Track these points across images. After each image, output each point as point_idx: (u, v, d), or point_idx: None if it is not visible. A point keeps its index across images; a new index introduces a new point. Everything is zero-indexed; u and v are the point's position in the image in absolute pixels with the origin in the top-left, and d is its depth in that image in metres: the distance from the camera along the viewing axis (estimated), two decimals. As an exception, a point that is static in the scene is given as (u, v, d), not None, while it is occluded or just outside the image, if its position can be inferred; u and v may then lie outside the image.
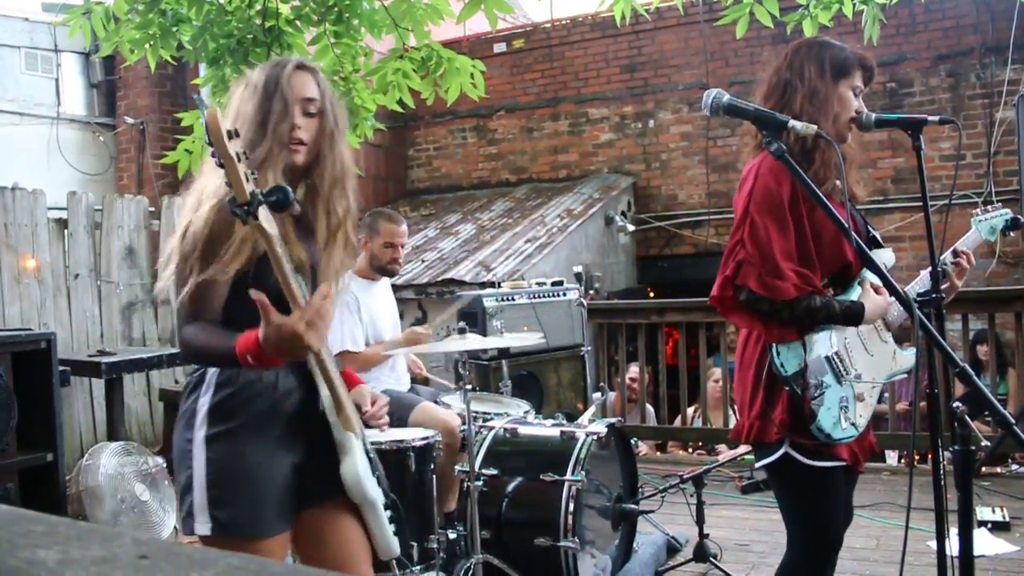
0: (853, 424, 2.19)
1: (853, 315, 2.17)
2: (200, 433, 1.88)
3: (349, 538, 1.99)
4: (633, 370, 6.31)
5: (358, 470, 1.92)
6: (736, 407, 2.37)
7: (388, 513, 2.07)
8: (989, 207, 2.59)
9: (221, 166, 1.52)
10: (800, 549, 2.29)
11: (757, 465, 2.30)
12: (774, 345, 2.16)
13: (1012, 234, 2.61)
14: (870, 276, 2.23)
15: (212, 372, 1.91)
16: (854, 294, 2.24)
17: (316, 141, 1.93)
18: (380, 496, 2.04)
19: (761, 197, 2.14)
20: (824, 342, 2.18)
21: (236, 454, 1.87)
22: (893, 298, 2.19)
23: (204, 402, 1.90)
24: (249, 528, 1.86)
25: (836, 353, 2.19)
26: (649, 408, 6.25)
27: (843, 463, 2.20)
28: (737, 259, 2.15)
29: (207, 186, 1.86)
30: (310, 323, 1.61)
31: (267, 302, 1.60)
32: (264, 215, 1.54)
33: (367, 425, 2.18)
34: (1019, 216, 2.58)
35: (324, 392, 1.90)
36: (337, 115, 1.98)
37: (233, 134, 1.50)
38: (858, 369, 2.22)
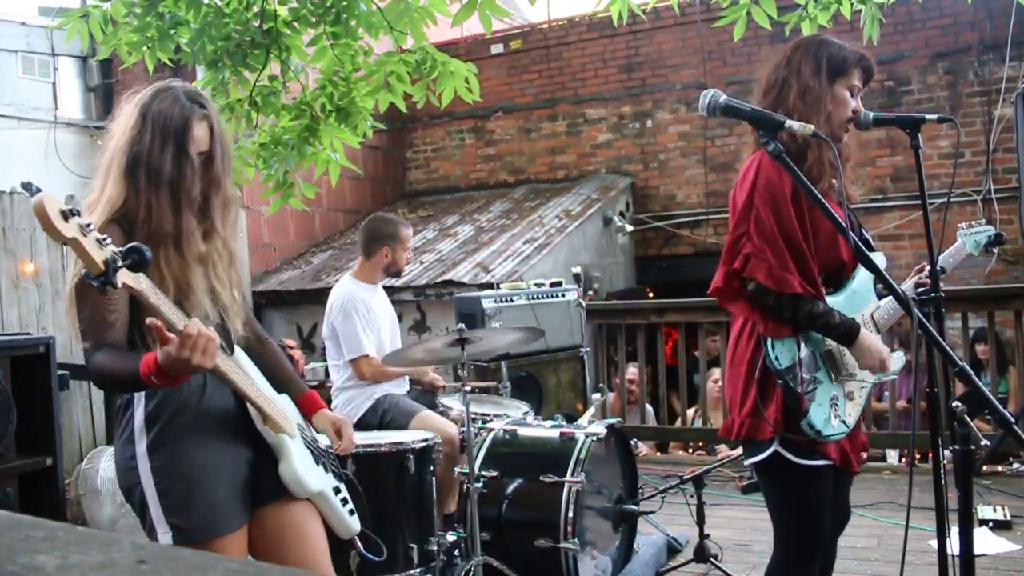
0: (843, 422, 2.20)
1: (848, 334, 2.17)
2: (141, 446, 1.93)
3: (307, 535, 2.07)
4: (632, 371, 6.31)
5: (295, 470, 2.00)
6: (728, 404, 2.37)
7: (340, 496, 2.16)
8: (974, 222, 2.62)
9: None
10: (787, 547, 2.30)
11: (747, 462, 2.31)
12: (768, 339, 2.16)
13: (995, 250, 2.64)
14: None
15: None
16: (844, 294, 2.25)
17: (207, 176, 1.99)
18: (328, 482, 2.12)
19: (765, 190, 2.14)
20: (818, 339, 2.19)
21: (179, 459, 1.93)
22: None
23: (139, 415, 1.95)
24: (207, 529, 1.92)
25: (829, 351, 2.21)
26: (648, 408, 6.25)
27: (831, 462, 2.21)
28: (745, 252, 2.14)
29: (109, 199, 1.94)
30: (194, 348, 1.67)
31: (160, 326, 1.66)
32: (127, 275, 1.57)
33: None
34: (1002, 233, 2.64)
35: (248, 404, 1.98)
36: (225, 157, 2.03)
37: (69, 214, 1.48)
38: (850, 368, 2.23)
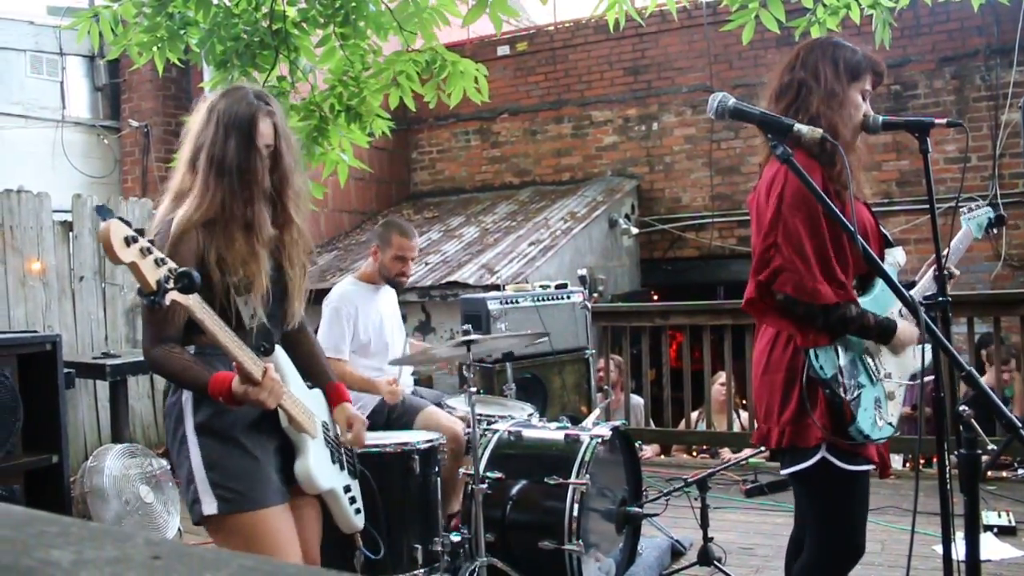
0: (889, 424, 2.18)
1: (885, 332, 2.15)
2: (190, 423, 2.07)
3: (306, 529, 2.20)
4: (602, 363, 6.16)
5: (309, 469, 2.12)
6: (760, 413, 2.31)
7: (349, 495, 2.29)
8: (974, 205, 2.60)
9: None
10: (823, 554, 2.26)
11: (786, 472, 2.25)
12: (811, 349, 2.12)
13: (995, 231, 2.63)
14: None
15: None
16: (874, 294, 2.24)
17: (278, 181, 2.14)
18: (340, 481, 2.25)
19: (793, 198, 2.09)
20: (856, 343, 2.17)
21: (226, 435, 2.07)
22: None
23: (187, 395, 2.09)
24: (252, 500, 2.03)
25: (867, 352, 2.18)
26: (637, 399, 6.15)
27: (873, 465, 2.20)
28: (773, 266, 2.10)
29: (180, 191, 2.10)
30: (271, 393, 1.91)
31: (245, 371, 1.87)
32: (177, 296, 1.71)
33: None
34: (1003, 213, 2.61)
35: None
36: (291, 152, 2.17)
37: (132, 240, 1.62)
38: (887, 368, 2.21)
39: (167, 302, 1.69)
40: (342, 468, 2.31)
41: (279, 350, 2.18)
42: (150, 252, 1.66)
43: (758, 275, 2.14)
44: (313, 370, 2.38)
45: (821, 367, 2.12)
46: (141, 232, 1.65)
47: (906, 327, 2.19)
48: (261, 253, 2.09)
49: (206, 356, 2.04)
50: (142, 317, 2.05)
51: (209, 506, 2.02)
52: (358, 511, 2.34)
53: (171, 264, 1.68)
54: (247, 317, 2.06)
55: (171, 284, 1.67)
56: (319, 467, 2.15)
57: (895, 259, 2.31)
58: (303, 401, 2.16)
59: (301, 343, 2.37)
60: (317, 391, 2.34)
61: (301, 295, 2.24)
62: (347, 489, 2.29)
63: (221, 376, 1.93)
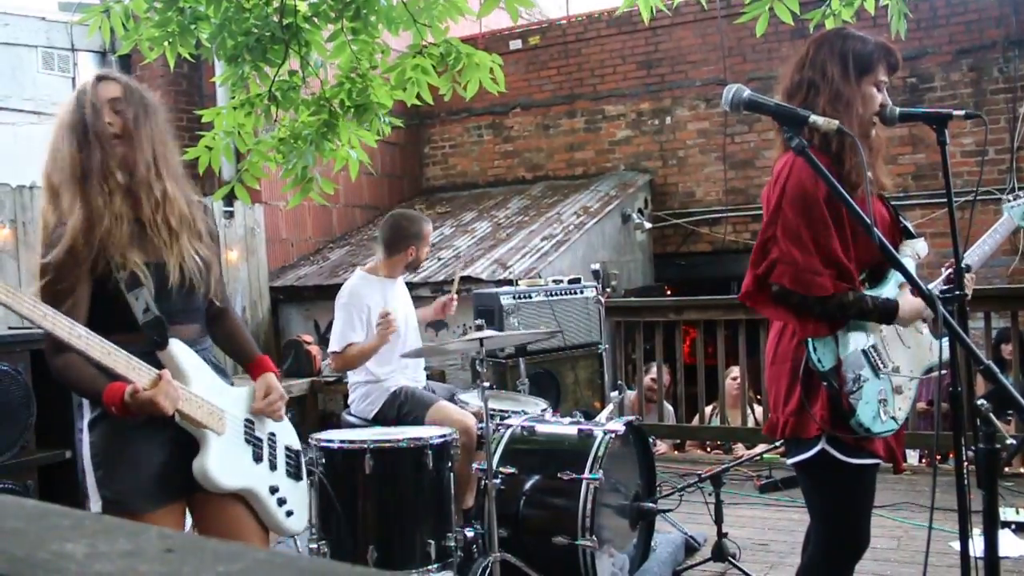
0: (893, 418, 2.16)
1: (887, 312, 2.14)
2: (86, 419, 2.11)
3: (244, 526, 2.16)
4: (655, 370, 6.26)
5: (204, 466, 2.04)
6: (770, 403, 2.33)
7: (276, 496, 2.21)
8: (1020, 193, 2.56)
9: None
10: (826, 548, 2.25)
11: (790, 461, 2.27)
12: (810, 340, 2.13)
13: None
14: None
15: None
16: (888, 287, 2.22)
17: (127, 128, 2.09)
18: (260, 481, 2.18)
19: (795, 192, 2.10)
20: (861, 335, 2.15)
21: (115, 435, 2.06)
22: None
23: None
24: (132, 503, 2.03)
25: (873, 346, 2.17)
26: (668, 408, 6.21)
27: (879, 460, 2.18)
28: (771, 258, 2.11)
29: (46, 221, 2.13)
30: (165, 395, 1.89)
31: (138, 387, 1.88)
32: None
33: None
34: None
35: None
36: (143, 103, 2.13)
37: None
38: (896, 361, 2.19)
39: None
40: (273, 468, 2.23)
41: (178, 345, 2.09)
42: None
43: (756, 268, 2.15)
44: (236, 347, 2.37)
45: (819, 359, 2.12)
46: None
47: (909, 300, 2.16)
48: (135, 242, 2.04)
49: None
50: (44, 335, 1.98)
51: (95, 504, 2.05)
52: (290, 514, 2.25)
53: None
54: (139, 312, 2.02)
55: None
56: (221, 465, 2.07)
57: (915, 251, 2.29)
58: (208, 397, 2.08)
59: (223, 323, 2.34)
60: (241, 389, 2.25)
61: (198, 274, 2.12)
62: (273, 490, 2.21)
63: (114, 387, 1.92)
